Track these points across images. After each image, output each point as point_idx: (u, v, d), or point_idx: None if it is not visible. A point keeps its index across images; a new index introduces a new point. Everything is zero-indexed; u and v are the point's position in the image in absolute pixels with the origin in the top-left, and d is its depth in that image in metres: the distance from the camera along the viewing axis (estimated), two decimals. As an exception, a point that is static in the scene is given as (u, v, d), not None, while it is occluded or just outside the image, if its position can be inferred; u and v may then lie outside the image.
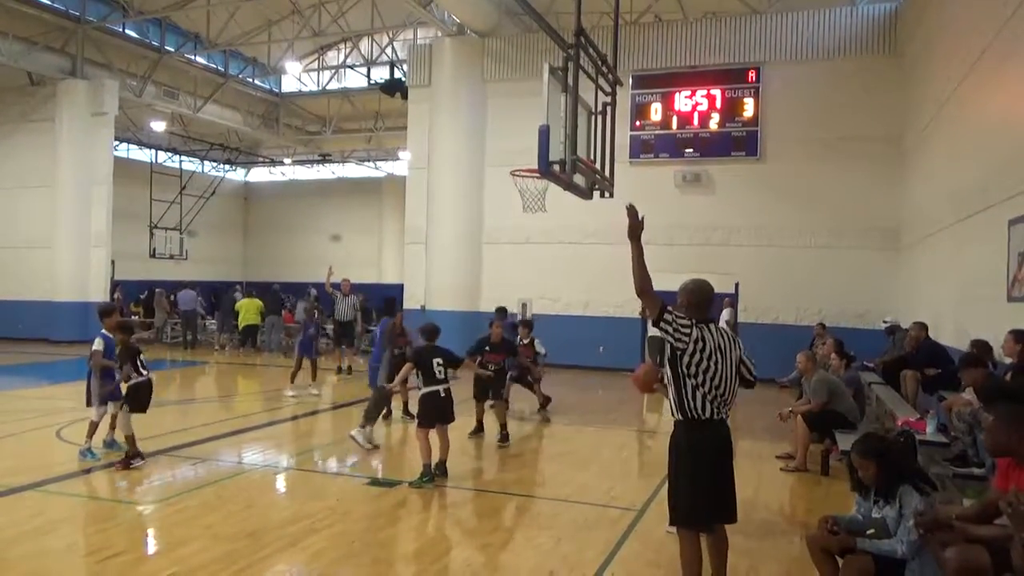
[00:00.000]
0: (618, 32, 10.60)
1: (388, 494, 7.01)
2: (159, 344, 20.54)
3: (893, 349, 11.29)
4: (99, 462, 7.58)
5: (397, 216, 25.81)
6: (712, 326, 4.23)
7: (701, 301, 4.30)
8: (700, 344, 4.11)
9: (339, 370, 15.61)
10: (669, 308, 4.11)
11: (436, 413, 7.17)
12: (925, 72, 12.65)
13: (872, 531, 3.93)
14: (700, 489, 4.15)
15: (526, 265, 17.24)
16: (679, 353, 4.14)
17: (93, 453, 7.69)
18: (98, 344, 7.58)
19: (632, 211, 4.22)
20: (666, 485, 4.38)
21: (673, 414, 4.29)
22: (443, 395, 7.17)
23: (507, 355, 9.72)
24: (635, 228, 4.20)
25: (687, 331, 4.10)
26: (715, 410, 4.15)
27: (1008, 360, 6.52)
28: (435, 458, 7.18)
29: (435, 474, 7.10)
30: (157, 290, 21.95)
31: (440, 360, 7.21)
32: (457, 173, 17.52)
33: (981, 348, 7.01)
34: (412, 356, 7.48)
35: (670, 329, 4.10)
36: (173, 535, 5.62)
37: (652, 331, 15.63)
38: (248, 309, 19.44)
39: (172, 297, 21.93)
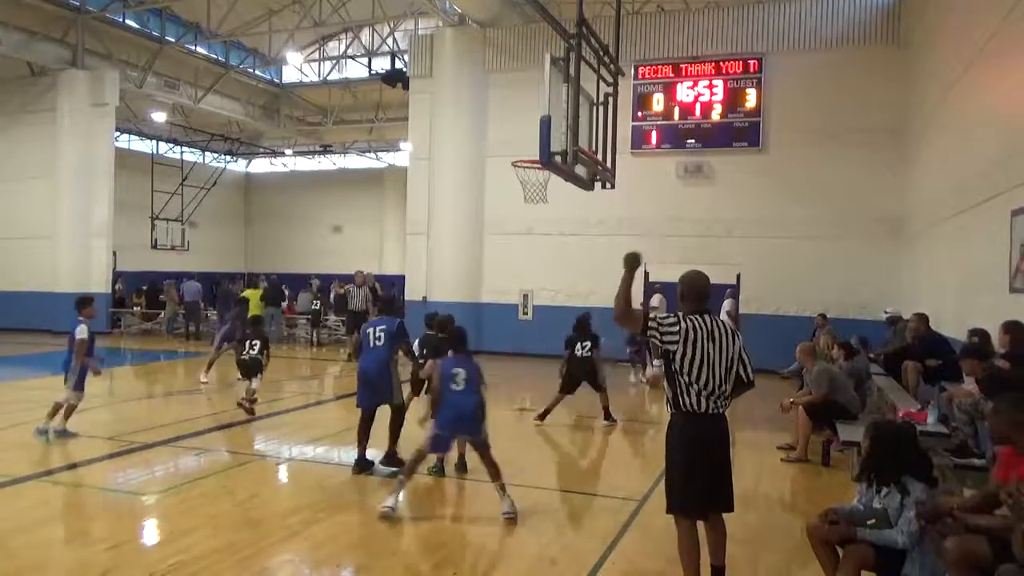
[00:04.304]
0: (620, 22, 10.57)
1: (390, 484, 7.03)
2: (166, 335, 20.60)
3: (895, 340, 11.28)
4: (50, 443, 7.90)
5: (398, 207, 25.80)
6: (706, 317, 4.24)
7: (695, 292, 4.33)
8: (690, 335, 4.12)
9: (350, 357, 15.74)
10: (649, 316, 4.17)
11: None
12: (929, 62, 12.59)
13: (873, 521, 3.94)
14: (695, 479, 4.18)
15: (528, 256, 17.23)
16: (670, 353, 4.17)
17: (62, 431, 8.19)
18: (83, 332, 8.15)
19: (632, 258, 4.23)
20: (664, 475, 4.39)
21: (670, 408, 4.31)
22: None
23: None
24: (633, 263, 4.23)
25: (673, 328, 4.15)
26: (710, 405, 4.16)
27: (1002, 351, 6.50)
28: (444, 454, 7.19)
29: (456, 468, 7.14)
30: (167, 282, 21.94)
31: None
32: (458, 164, 17.50)
33: (981, 337, 7.00)
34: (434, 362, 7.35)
35: (657, 334, 4.16)
36: (176, 525, 5.64)
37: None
38: (253, 300, 19.46)
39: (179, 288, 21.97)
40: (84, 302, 8.44)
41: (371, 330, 7.32)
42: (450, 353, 6.28)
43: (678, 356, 4.13)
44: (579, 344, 9.86)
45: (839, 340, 10.32)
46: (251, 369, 10.08)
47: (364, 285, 16.17)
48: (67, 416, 8.21)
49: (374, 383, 7.16)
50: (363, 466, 7.17)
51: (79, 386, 8.19)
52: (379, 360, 7.16)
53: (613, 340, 16.25)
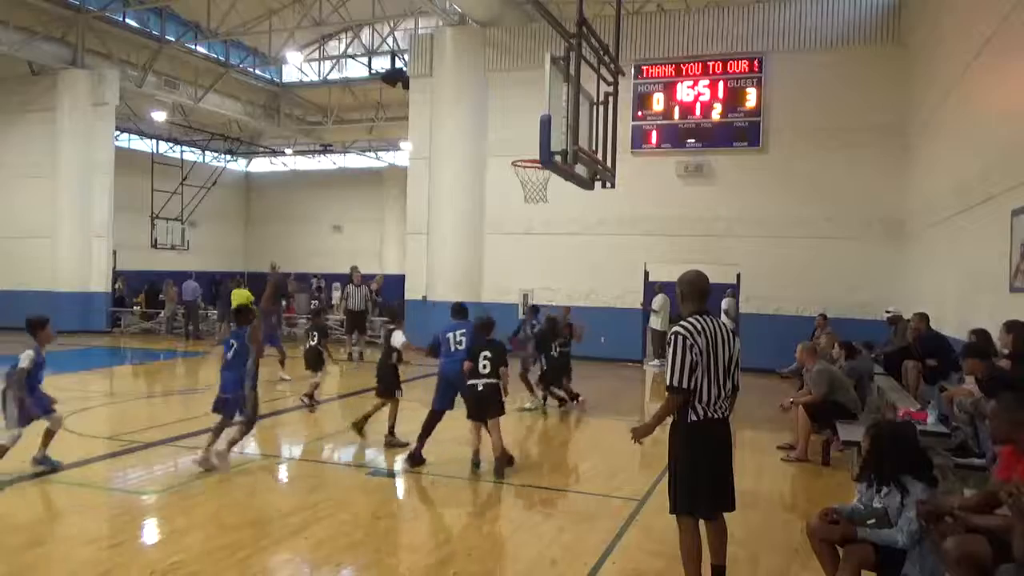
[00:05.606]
0: (620, 21, 10.56)
1: (390, 484, 7.04)
2: (165, 335, 20.60)
3: (895, 339, 11.29)
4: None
5: (399, 206, 25.79)
6: (707, 319, 4.23)
7: (696, 292, 4.33)
8: (701, 348, 4.11)
9: (350, 357, 15.74)
10: (681, 387, 4.10)
11: (474, 407, 7.15)
12: (929, 61, 12.59)
13: (873, 521, 3.94)
14: (699, 481, 4.20)
15: (528, 255, 17.23)
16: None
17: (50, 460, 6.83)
18: (27, 359, 6.59)
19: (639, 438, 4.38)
20: (667, 475, 4.40)
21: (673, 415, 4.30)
22: (481, 389, 7.06)
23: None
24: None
25: (696, 360, 4.10)
26: (712, 412, 4.18)
27: (1005, 351, 6.50)
28: (471, 454, 7.29)
29: (495, 472, 7.07)
30: (167, 281, 21.97)
31: (488, 354, 7.12)
32: (459, 163, 17.50)
33: (981, 337, 6.99)
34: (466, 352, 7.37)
35: (687, 377, 4.12)
36: (176, 524, 5.64)
37: (653, 322, 15.77)
38: (238, 299, 19.39)
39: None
40: (37, 324, 6.82)
41: (451, 334, 7.53)
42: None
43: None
44: (553, 344, 10.64)
45: (839, 340, 10.33)
46: (311, 361, 10.44)
47: (362, 284, 16.16)
48: None
49: (459, 386, 7.33)
50: (416, 461, 7.33)
51: (23, 421, 6.56)
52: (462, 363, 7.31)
53: (614, 336, 16.38)
